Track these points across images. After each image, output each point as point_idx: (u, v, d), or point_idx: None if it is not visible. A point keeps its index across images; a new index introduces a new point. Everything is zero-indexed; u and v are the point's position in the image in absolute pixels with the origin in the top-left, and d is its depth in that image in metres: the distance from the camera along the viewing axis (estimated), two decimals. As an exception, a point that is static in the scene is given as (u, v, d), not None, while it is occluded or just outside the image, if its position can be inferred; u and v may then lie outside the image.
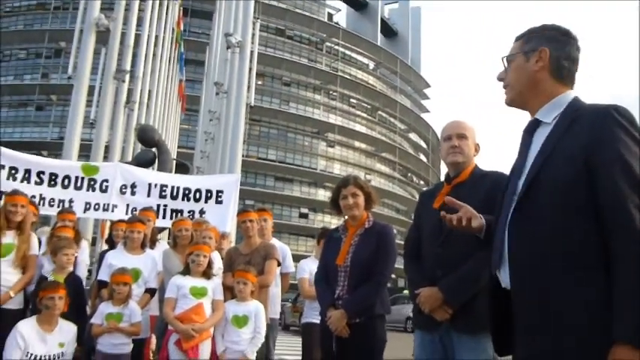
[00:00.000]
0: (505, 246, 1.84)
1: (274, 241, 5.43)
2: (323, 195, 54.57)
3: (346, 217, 3.53)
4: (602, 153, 1.68)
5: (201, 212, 6.97)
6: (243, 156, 17.96)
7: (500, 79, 2.03)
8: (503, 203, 1.91)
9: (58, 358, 4.06)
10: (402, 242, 3.12)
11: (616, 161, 1.66)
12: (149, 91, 22.45)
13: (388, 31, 74.63)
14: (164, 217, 6.89)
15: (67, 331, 4.18)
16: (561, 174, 1.73)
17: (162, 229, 7.60)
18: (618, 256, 1.59)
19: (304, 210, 57.59)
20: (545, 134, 1.86)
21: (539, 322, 1.70)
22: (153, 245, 5.36)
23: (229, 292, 4.60)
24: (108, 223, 8.18)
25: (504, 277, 1.85)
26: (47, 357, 4.00)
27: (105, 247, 5.78)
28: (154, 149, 11.51)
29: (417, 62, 74.63)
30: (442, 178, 3.09)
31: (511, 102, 2.01)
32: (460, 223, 2.11)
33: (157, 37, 23.29)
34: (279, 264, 4.96)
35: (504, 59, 2.00)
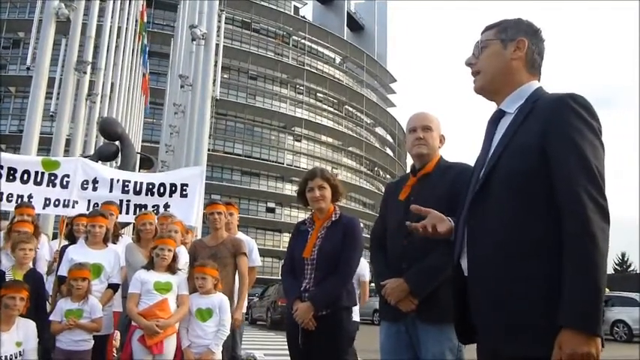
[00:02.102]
0: (464, 236, 1.86)
1: (240, 235, 5.41)
2: (290, 189, 54.53)
3: (313, 209, 3.52)
4: (557, 141, 1.69)
5: (166, 206, 6.87)
6: (209, 150, 17.78)
7: (469, 64, 2.01)
8: (466, 195, 1.93)
9: (16, 357, 3.94)
10: (369, 236, 3.14)
11: (571, 150, 1.66)
12: (112, 84, 22.02)
13: (354, 25, 74.85)
14: (127, 213, 6.77)
15: (24, 330, 4.05)
16: (517, 163, 1.74)
17: (125, 225, 7.47)
18: (568, 244, 1.61)
19: (271, 204, 57.45)
20: (506, 125, 1.87)
21: (493, 309, 1.73)
22: (116, 240, 5.26)
23: (193, 286, 4.55)
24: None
25: (464, 266, 1.88)
26: (4, 357, 3.88)
27: (64, 242, 5.63)
28: (116, 143, 11.32)
29: (383, 57, 75.04)
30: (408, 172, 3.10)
31: (481, 89, 1.99)
32: (426, 231, 2.11)
33: (119, 28, 22.82)
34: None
35: (478, 44, 1.99)
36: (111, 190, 6.88)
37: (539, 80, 1.96)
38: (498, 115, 1.94)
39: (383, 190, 3.32)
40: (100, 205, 5.99)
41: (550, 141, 1.70)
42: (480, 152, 1.96)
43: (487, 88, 1.98)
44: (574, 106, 1.72)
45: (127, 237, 5.94)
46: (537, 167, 1.70)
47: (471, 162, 2.14)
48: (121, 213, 6.49)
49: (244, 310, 5.41)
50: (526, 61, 1.93)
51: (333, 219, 3.45)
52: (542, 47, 1.97)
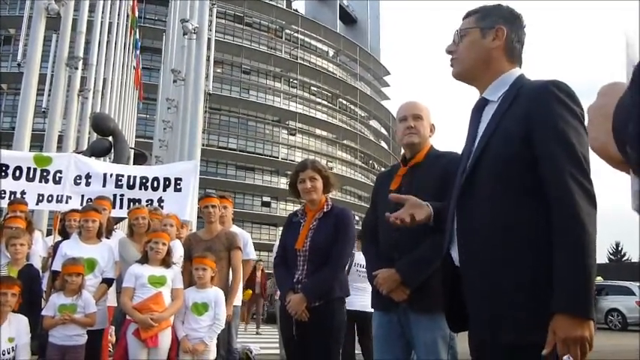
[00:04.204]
0: (454, 225, 1.87)
1: (235, 229, 5.42)
2: (285, 183, 54.38)
3: (305, 201, 3.53)
4: (541, 129, 1.71)
5: (160, 201, 6.88)
6: (202, 145, 17.74)
7: (449, 51, 2.02)
8: (455, 184, 1.94)
9: (9, 352, 3.93)
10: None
11: (555, 136, 1.68)
12: (104, 79, 21.89)
13: (347, 18, 74.60)
14: (121, 207, 6.76)
15: (16, 325, 4.03)
16: (503, 150, 1.76)
17: (119, 220, 7.46)
18: (557, 230, 1.63)
19: (266, 198, 57.39)
20: (491, 113, 1.89)
21: (481, 297, 1.74)
22: (109, 235, 5.25)
23: (188, 280, 4.57)
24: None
25: (454, 256, 1.89)
26: None
27: (58, 238, 5.62)
28: (109, 138, 11.29)
29: (376, 50, 74.91)
30: (402, 162, 3.10)
31: (458, 75, 2.00)
32: (403, 221, 2.12)
33: (110, 23, 22.68)
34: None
35: (458, 32, 1.99)
36: (104, 185, 6.87)
37: (520, 67, 1.97)
38: (482, 104, 1.96)
39: (377, 182, 3.32)
40: (93, 200, 5.98)
41: (534, 128, 1.72)
42: (466, 141, 1.98)
43: (464, 75, 2.00)
44: (557, 93, 1.73)
45: (120, 232, 5.93)
46: (523, 153, 1.72)
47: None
48: (114, 208, 6.48)
49: (239, 304, 5.42)
50: (505, 49, 1.94)
51: (325, 210, 3.46)
52: (523, 34, 1.98)
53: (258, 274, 15.11)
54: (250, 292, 13.22)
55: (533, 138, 1.71)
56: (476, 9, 2.02)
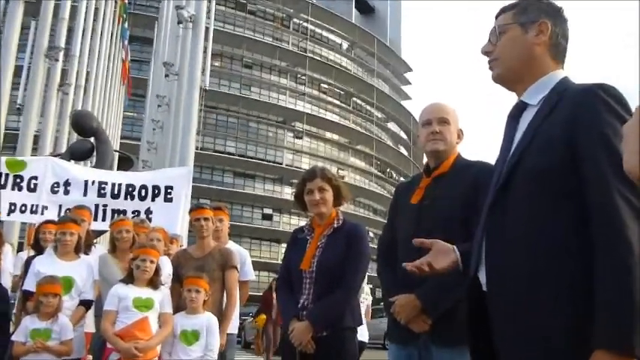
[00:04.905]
0: (483, 244, 1.85)
1: (231, 245, 5.39)
2: (289, 193, 54.51)
3: (312, 215, 3.52)
4: (586, 137, 1.69)
5: (148, 212, 6.89)
6: (197, 148, 17.79)
7: (485, 52, 2.03)
8: (486, 198, 1.92)
9: None
10: (377, 246, 3.13)
11: (602, 147, 1.66)
12: (87, 73, 22.10)
13: (364, 6, 74.88)
14: (104, 219, 6.78)
15: None
16: (542, 161, 1.74)
17: (100, 233, 7.47)
18: (600, 251, 1.60)
19: (268, 210, 57.47)
20: (529, 118, 1.87)
21: (513, 327, 1.72)
22: (88, 250, 5.25)
23: (176, 302, 4.55)
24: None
25: (482, 280, 1.87)
26: None
27: (31, 253, 5.63)
28: (91, 139, 11.34)
29: (396, 43, 75.09)
30: (425, 171, 3.08)
31: (499, 78, 2.00)
32: (422, 271, 2.10)
33: (96, 9, 22.89)
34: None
35: (496, 29, 1.99)
36: (85, 194, 6.89)
37: (563, 67, 1.96)
38: (520, 108, 1.95)
39: (395, 194, 3.30)
40: (70, 210, 5.99)
41: (579, 137, 1.70)
42: (501, 150, 1.97)
43: (506, 77, 1.99)
44: (605, 98, 1.72)
45: (100, 247, 5.94)
46: (564, 165, 1.70)
47: (493, 161, 2.14)
48: (96, 219, 6.50)
49: (235, 332, 5.40)
50: (550, 45, 1.94)
51: (335, 226, 3.44)
52: (567, 29, 1.97)
53: (275, 295, 14.75)
54: (264, 317, 12.96)
55: (577, 147, 1.70)
56: (511, 4, 2.02)
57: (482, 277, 1.87)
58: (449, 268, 2.10)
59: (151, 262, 4.45)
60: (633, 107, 1.70)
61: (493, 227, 1.83)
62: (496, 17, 2.04)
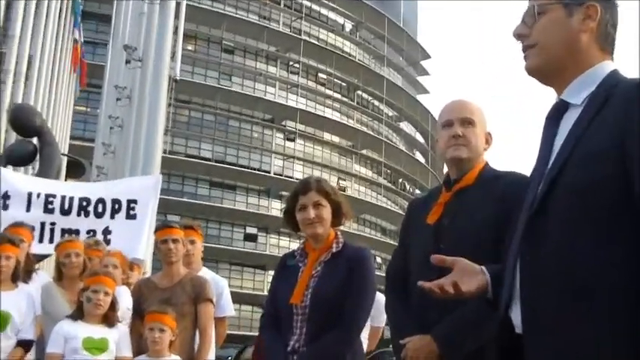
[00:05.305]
0: (516, 277, 1.86)
1: (205, 272, 5.41)
2: (278, 209, 54.50)
3: (306, 236, 3.53)
4: (638, 137, 1.69)
5: (106, 232, 6.91)
6: (164, 152, 17.79)
7: (519, 35, 2.03)
8: (519, 219, 1.93)
9: None
10: (385, 274, 3.14)
11: None
12: (29, 58, 22.09)
13: (372, -22, 75.20)
14: (51, 240, 6.78)
15: None
16: (588, 173, 1.75)
17: (43, 257, 7.46)
18: None
19: (251, 230, 57.39)
20: (572, 121, 1.88)
21: None
22: (28, 278, 5.26)
23: (137, 343, 4.55)
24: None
25: (516, 318, 1.87)
26: None
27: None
28: (33, 140, 11.34)
29: (412, 23, 75.36)
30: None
31: (537, 69, 2.01)
32: (446, 292, 2.09)
33: (41, -21, 22.95)
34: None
35: (533, 9, 2.00)
36: (28, 209, 6.91)
37: (612, 59, 1.97)
38: (560, 109, 1.96)
39: (409, 210, 3.31)
40: (4, 228, 5.98)
41: (632, 143, 1.71)
42: (538, 159, 1.97)
43: (545, 68, 2.00)
44: None
45: (43, 274, 5.94)
46: (616, 178, 1.71)
47: (528, 172, 2.15)
48: (41, 240, 6.50)
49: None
50: (598, 34, 1.95)
51: (334, 250, 3.45)
52: (617, 17, 1.99)
53: (259, 334, 14.83)
54: None
55: (629, 157, 1.70)
56: None
57: (516, 316, 1.88)
58: (477, 293, 2.08)
59: (106, 293, 4.46)
60: None
61: (530, 254, 1.84)
62: None
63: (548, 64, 1.99)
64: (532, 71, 2.01)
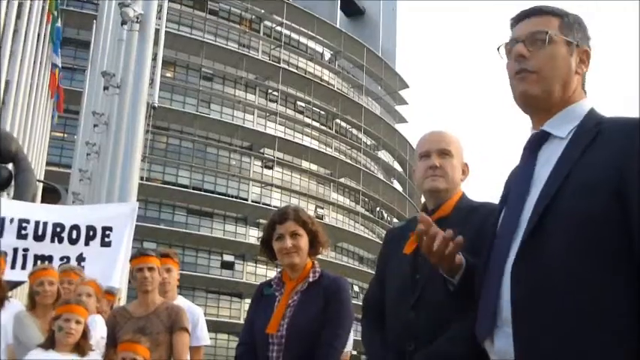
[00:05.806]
0: (500, 305, 1.86)
1: (180, 301, 5.39)
2: (256, 236, 54.35)
3: (282, 265, 3.52)
4: (638, 179, 1.73)
5: (80, 259, 6.87)
6: (141, 178, 17.71)
7: (520, 57, 2.03)
8: (494, 246, 1.93)
9: None
10: (362, 304, 3.13)
11: None
12: (6, 83, 21.98)
13: (352, 8, 75.92)
14: (24, 267, 6.76)
15: None
16: (582, 205, 1.78)
17: (16, 285, 7.39)
18: None
19: (228, 258, 57.15)
20: (557, 152, 1.92)
21: None
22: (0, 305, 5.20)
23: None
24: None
25: (499, 347, 1.87)
26: None
27: None
28: (8, 166, 11.27)
29: (390, 53, 75.96)
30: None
31: (532, 98, 2.03)
32: (445, 246, 2.11)
33: (20, 4, 22.92)
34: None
35: (536, 35, 2.01)
36: (1, 234, 6.87)
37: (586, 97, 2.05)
38: (540, 140, 1.98)
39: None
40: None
41: (629, 178, 1.75)
42: (515, 187, 1.99)
43: (541, 97, 2.02)
44: None
45: (16, 302, 5.87)
46: (610, 212, 1.74)
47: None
48: (14, 267, 6.44)
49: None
50: (584, 77, 2.05)
51: (311, 279, 3.46)
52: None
53: None
54: None
55: (626, 190, 1.74)
56: (554, 9, 2.06)
57: (498, 345, 1.88)
58: (457, 268, 2.19)
59: (77, 322, 4.44)
60: None
61: (524, 285, 1.83)
62: (531, 14, 2.07)
63: (545, 95, 2.01)
64: (528, 97, 2.03)
